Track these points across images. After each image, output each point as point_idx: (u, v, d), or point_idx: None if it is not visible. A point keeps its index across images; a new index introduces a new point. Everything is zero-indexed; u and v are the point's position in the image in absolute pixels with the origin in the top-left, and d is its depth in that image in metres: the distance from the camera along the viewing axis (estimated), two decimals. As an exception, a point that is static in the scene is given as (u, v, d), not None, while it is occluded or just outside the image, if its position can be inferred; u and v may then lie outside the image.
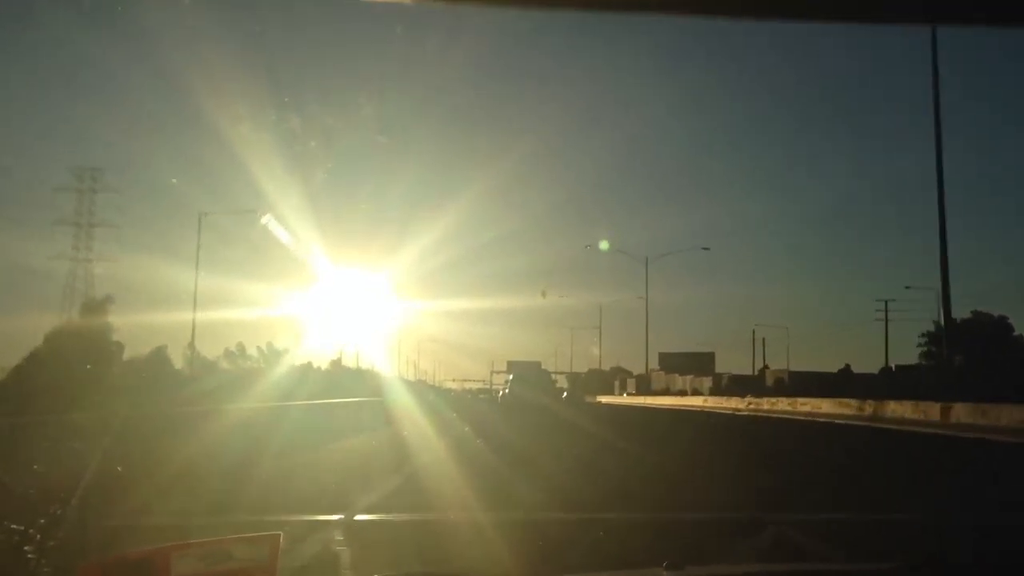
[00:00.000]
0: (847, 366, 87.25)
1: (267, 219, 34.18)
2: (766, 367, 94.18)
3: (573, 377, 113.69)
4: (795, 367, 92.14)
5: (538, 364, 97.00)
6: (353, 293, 53.50)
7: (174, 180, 52.15)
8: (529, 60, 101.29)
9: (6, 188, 70.54)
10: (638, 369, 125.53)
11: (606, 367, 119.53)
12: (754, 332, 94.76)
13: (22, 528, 2.76)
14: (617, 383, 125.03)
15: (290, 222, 35.73)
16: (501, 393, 40.49)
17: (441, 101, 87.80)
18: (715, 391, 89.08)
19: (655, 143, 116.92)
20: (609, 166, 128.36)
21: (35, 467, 4.10)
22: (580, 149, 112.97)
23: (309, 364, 49.33)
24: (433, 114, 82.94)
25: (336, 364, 50.05)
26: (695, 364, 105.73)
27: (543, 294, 76.28)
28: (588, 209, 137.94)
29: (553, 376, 69.61)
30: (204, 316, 45.51)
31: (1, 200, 65.86)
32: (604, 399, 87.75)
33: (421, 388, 59.33)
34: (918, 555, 4.21)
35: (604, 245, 72.16)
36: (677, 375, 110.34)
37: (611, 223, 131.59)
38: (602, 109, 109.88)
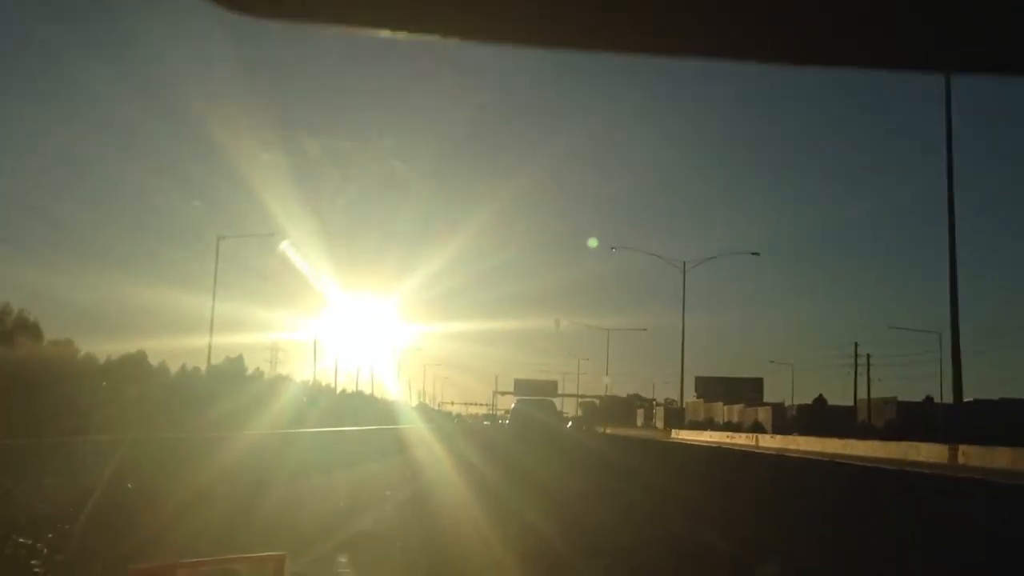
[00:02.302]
0: (928, 398, 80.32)
1: (285, 245, 35.74)
2: (821, 398, 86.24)
3: (587, 405, 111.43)
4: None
5: (554, 384, 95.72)
6: (361, 317, 55.23)
7: (196, 202, 53.53)
8: (537, 89, 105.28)
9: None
10: (658, 397, 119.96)
11: (623, 394, 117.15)
12: (856, 347, 73.19)
13: (30, 542, 2.98)
14: (642, 412, 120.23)
15: (300, 247, 37.35)
16: (508, 422, 40.85)
17: (451, 130, 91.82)
18: (779, 427, 78.84)
19: (666, 167, 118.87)
20: (617, 191, 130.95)
21: (45, 482, 4.34)
22: (588, 175, 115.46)
23: (321, 388, 50.47)
24: (442, 142, 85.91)
25: (320, 388, 51.10)
26: (739, 391, 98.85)
27: (557, 323, 76.86)
28: (597, 233, 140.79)
29: (562, 410, 68.98)
30: (207, 340, 46.99)
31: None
32: (687, 434, 71.04)
33: (427, 413, 60.12)
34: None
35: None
36: (721, 404, 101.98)
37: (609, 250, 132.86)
38: (609, 138, 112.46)
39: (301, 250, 37.53)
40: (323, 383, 53.60)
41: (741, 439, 61.07)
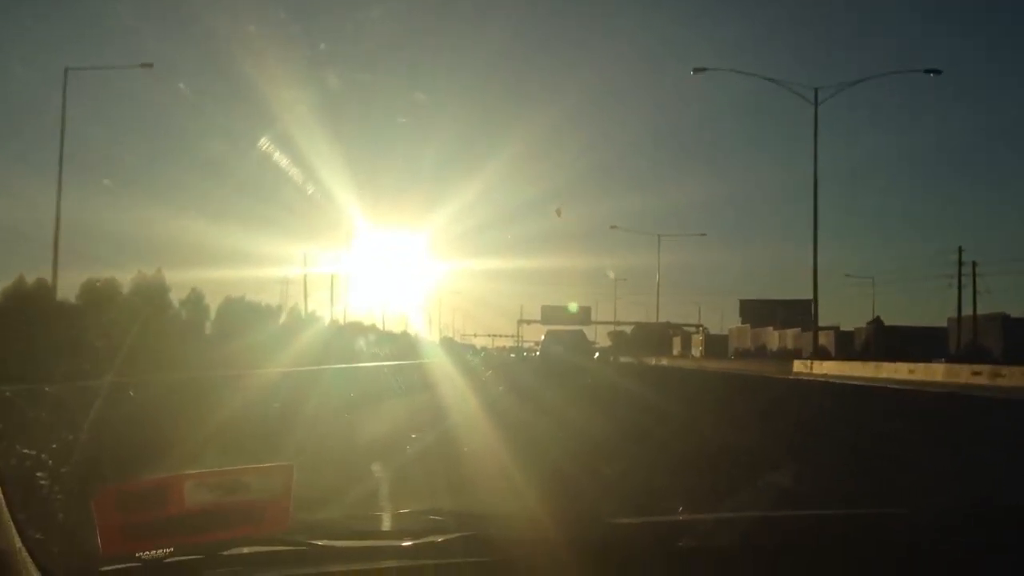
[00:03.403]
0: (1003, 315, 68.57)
1: (264, 143, 34.71)
2: (878, 320, 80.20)
3: (616, 335, 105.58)
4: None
5: (586, 311, 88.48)
6: (386, 252, 55.38)
7: (181, 85, 52.73)
8: (568, 21, 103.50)
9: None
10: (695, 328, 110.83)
11: (665, 320, 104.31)
12: (960, 252, 59.55)
13: (35, 453, 3.05)
14: (679, 340, 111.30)
15: (324, 180, 36.92)
16: (539, 353, 40.20)
17: (478, 61, 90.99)
18: (846, 353, 66.75)
19: (698, 101, 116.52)
20: (648, 128, 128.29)
21: (47, 389, 4.44)
22: (619, 110, 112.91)
23: (341, 324, 50.27)
24: (469, 74, 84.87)
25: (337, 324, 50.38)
26: (789, 315, 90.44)
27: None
28: (629, 170, 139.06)
29: (594, 340, 66.16)
30: (233, 273, 46.78)
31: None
32: (834, 368, 45.03)
33: (451, 347, 59.83)
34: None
35: (573, 307, 75.72)
36: (771, 329, 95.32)
37: (649, 184, 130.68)
38: (640, 70, 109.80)
39: (323, 185, 37.01)
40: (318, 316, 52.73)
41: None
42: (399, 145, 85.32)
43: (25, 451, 3.02)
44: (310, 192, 37.01)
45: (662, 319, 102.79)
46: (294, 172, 35.44)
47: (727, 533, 2.20)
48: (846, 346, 76.82)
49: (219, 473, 2.07)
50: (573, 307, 78.31)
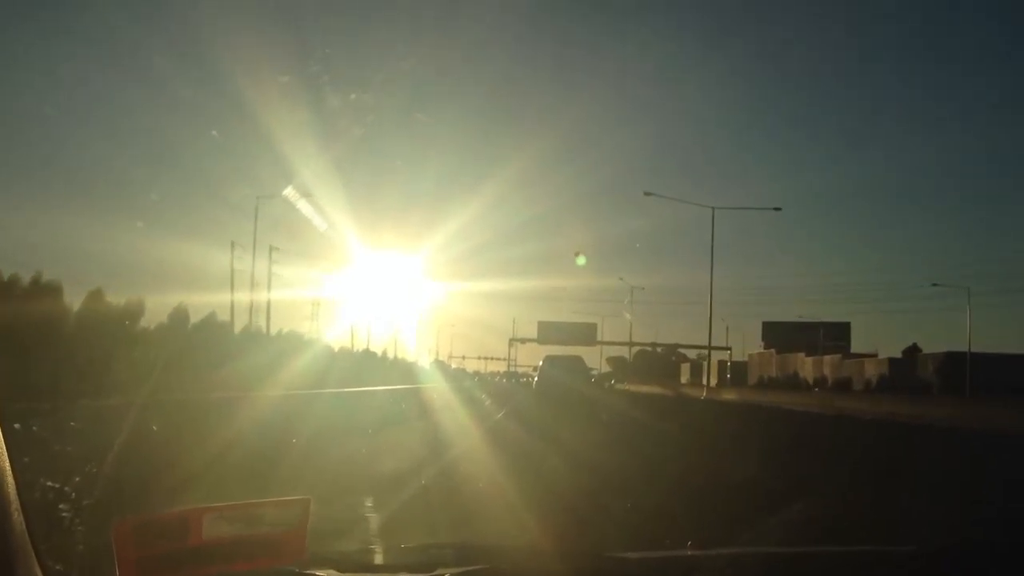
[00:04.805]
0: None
1: (288, 191, 35.50)
2: (916, 348, 71.79)
3: (615, 360, 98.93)
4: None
5: (591, 328, 79.29)
6: (382, 275, 55.04)
7: (214, 132, 53.42)
8: (568, 40, 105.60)
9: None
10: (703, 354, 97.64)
11: (659, 351, 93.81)
12: None
13: (57, 485, 3.13)
14: (687, 368, 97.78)
15: (320, 201, 37.04)
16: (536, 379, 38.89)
17: (476, 80, 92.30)
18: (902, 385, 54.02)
19: (698, 119, 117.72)
20: (647, 148, 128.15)
21: (72, 423, 4.55)
22: (618, 131, 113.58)
23: (337, 349, 49.25)
24: (468, 94, 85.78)
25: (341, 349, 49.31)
26: (819, 338, 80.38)
27: (577, 255, 71.83)
28: (625, 190, 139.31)
29: (593, 368, 57.30)
30: (225, 297, 46.21)
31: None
32: None
33: (443, 372, 58.18)
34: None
35: (581, 260, 71.46)
36: (802, 355, 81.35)
37: (648, 204, 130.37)
38: (642, 89, 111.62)
39: (320, 207, 36.91)
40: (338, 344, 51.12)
41: None
42: (398, 166, 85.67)
43: (49, 483, 3.11)
44: (304, 213, 37.33)
45: (672, 341, 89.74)
46: (289, 193, 35.81)
47: (733, 569, 2.24)
48: (903, 378, 62.64)
49: (237, 506, 2.14)
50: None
